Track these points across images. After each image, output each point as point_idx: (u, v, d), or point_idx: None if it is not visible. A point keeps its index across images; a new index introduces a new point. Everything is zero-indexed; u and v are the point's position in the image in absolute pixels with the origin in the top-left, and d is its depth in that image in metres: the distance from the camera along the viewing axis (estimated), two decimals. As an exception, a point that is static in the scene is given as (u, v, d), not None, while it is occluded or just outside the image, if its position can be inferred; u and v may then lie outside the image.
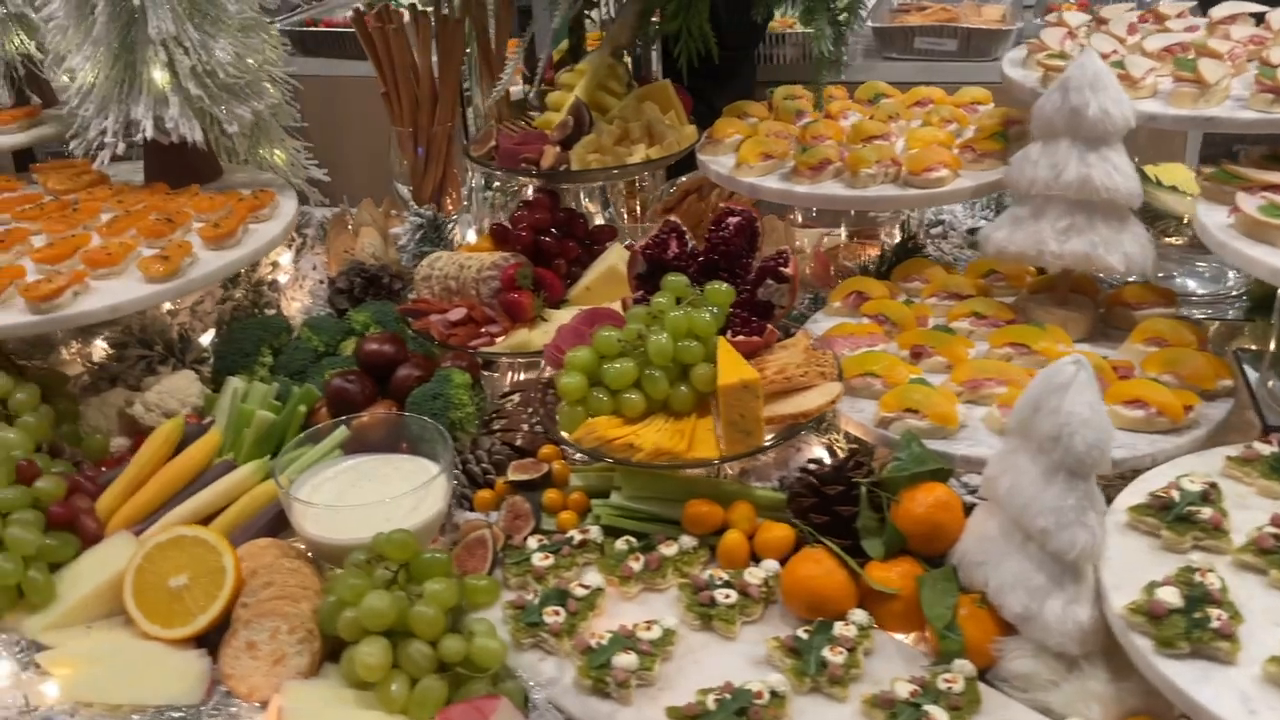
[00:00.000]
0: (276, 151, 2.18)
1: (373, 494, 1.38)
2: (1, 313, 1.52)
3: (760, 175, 1.81)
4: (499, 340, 1.69)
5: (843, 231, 2.13)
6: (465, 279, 1.77)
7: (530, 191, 2.34)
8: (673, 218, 1.61)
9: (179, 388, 1.65)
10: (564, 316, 1.73)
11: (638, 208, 2.33)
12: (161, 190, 1.92)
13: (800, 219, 2.16)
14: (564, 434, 1.42)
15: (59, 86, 2.18)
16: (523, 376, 1.77)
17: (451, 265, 1.78)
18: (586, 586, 1.28)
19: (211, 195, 1.86)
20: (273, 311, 1.92)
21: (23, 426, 1.48)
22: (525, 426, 1.56)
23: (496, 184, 2.31)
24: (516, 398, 1.62)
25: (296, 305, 1.97)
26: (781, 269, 1.52)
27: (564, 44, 2.21)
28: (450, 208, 2.21)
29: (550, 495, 1.43)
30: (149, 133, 1.83)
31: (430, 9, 2.03)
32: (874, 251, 2.09)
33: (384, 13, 2.07)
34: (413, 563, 1.24)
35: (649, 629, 1.21)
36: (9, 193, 1.93)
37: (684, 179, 2.24)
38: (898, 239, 2.09)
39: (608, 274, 1.77)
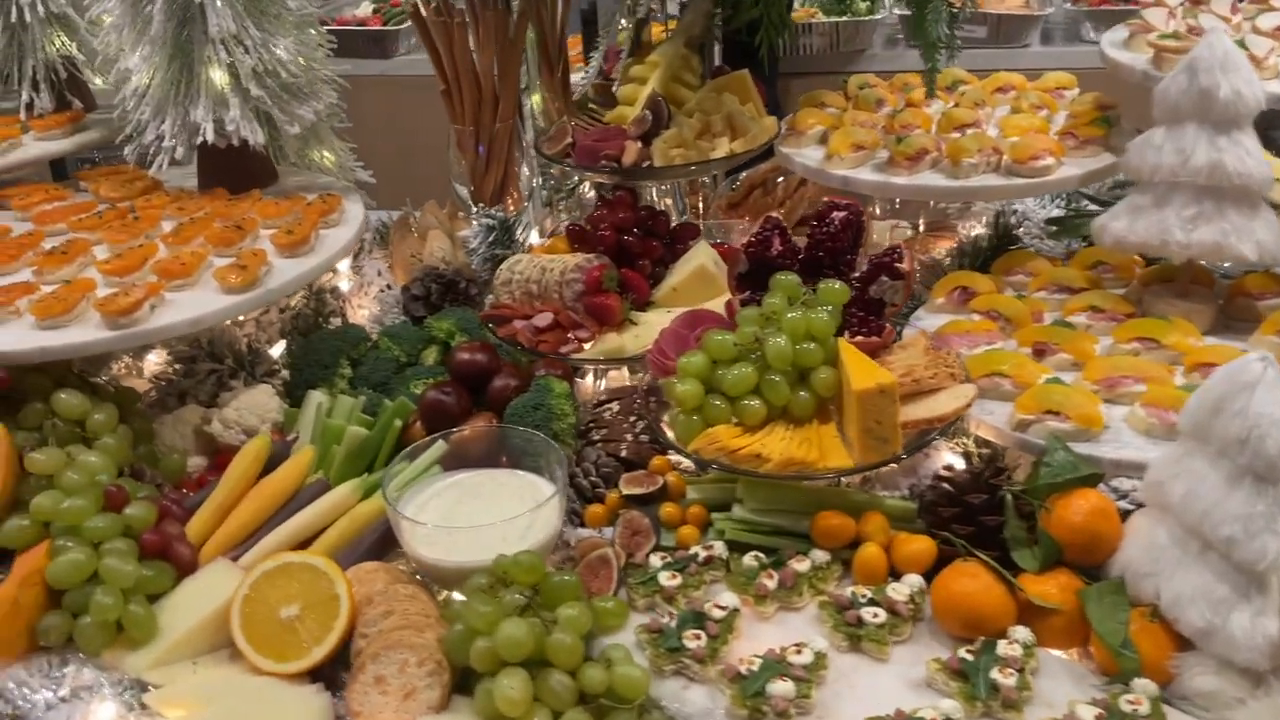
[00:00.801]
0: (326, 153, 2.11)
1: (480, 512, 1.31)
2: (76, 329, 1.44)
3: (852, 167, 1.73)
4: (588, 346, 1.62)
5: (920, 224, 2.06)
6: (548, 282, 1.69)
7: (588, 189, 2.28)
8: (774, 214, 1.54)
9: (258, 403, 1.58)
10: (654, 319, 1.66)
11: (699, 204, 2.25)
12: (222, 196, 1.84)
13: (878, 211, 2.09)
14: (679, 444, 1.35)
15: (102, 89, 2.11)
16: (603, 384, 1.69)
17: (533, 268, 1.71)
18: (723, 607, 1.20)
19: (276, 200, 1.78)
20: (338, 321, 1.84)
21: (103, 449, 1.40)
22: (629, 436, 1.48)
23: (553, 182, 2.24)
24: (615, 406, 1.54)
25: (364, 313, 1.89)
26: (897, 264, 1.45)
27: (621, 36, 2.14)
28: (511, 208, 2.13)
29: (668, 509, 1.35)
30: (209, 136, 1.75)
31: (492, 3, 1.95)
32: (947, 244, 2.02)
33: (444, 7, 1.99)
34: (542, 586, 1.17)
35: (799, 653, 1.13)
36: (58, 201, 1.85)
37: (745, 174, 2.17)
38: (974, 230, 2.02)
39: (697, 274, 1.69)
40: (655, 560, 1.29)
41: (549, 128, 1.92)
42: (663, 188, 2.03)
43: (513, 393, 1.48)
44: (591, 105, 2.10)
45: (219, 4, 1.69)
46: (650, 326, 1.63)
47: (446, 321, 1.64)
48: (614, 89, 2.04)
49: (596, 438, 1.50)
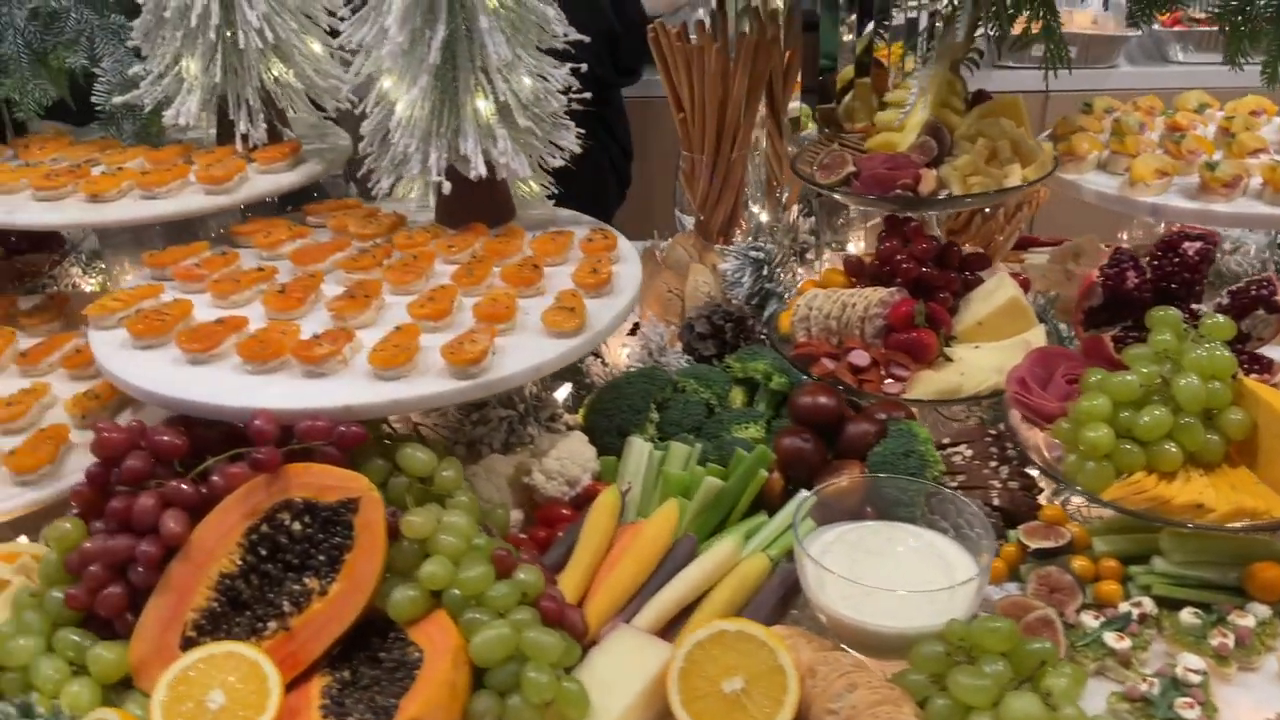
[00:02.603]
0: (531, 183, 2.02)
1: (879, 568, 1.23)
2: (422, 380, 1.34)
3: (1158, 194, 1.68)
4: (910, 385, 1.54)
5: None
6: (849, 318, 1.62)
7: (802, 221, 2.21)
8: (1083, 249, 1.47)
9: (576, 451, 1.48)
10: (969, 356, 1.59)
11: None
12: (481, 231, 1.74)
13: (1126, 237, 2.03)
14: (1089, 491, 1.27)
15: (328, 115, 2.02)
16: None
17: (832, 304, 1.63)
18: (1196, 670, 1.13)
19: (552, 236, 1.69)
20: (602, 362, 1.75)
21: (461, 508, 1.30)
22: (996, 483, 1.41)
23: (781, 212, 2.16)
24: (966, 449, 1.47)
25: (625, 351, 1.80)
26: (1274, 297, 1.39)
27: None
28: (739, 239, 2.05)
29: (1081, 563, 1.28)
30: (481, 169, 1.65)
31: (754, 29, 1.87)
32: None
33: (684, 33, 1.91)
34: (1012, 654, 1.09)
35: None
36: (300, 239, 1.74)
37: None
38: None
39: (1008, 307, 1.62)
40: (1088, 619, 1.22)
41: (820, 154, 1.84)
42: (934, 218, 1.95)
43: (872, 439, 1.40)
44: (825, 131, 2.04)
45: (495, 31, 1.60)
46: (971, 364, 1.56)
47: (760, 362, 1.56)
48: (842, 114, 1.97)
49: (953, 485, 1.42)
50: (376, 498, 1.21)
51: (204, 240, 1.73)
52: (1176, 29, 3.66)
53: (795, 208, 2.14)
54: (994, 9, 1.78)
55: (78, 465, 1.45)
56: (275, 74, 1.90)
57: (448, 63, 1.65)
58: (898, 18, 1.99)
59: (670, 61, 1.94)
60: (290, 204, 1.95)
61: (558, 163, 1.75)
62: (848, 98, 2.06)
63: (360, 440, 1.26)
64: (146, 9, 1.82)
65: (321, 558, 1.20)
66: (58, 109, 2.00)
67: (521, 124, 1.68)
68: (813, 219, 2.10)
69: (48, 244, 2.20)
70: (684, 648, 1.13)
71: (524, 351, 1.39)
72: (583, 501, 1.44)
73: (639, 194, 3.39)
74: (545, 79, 1.71)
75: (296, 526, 1.21)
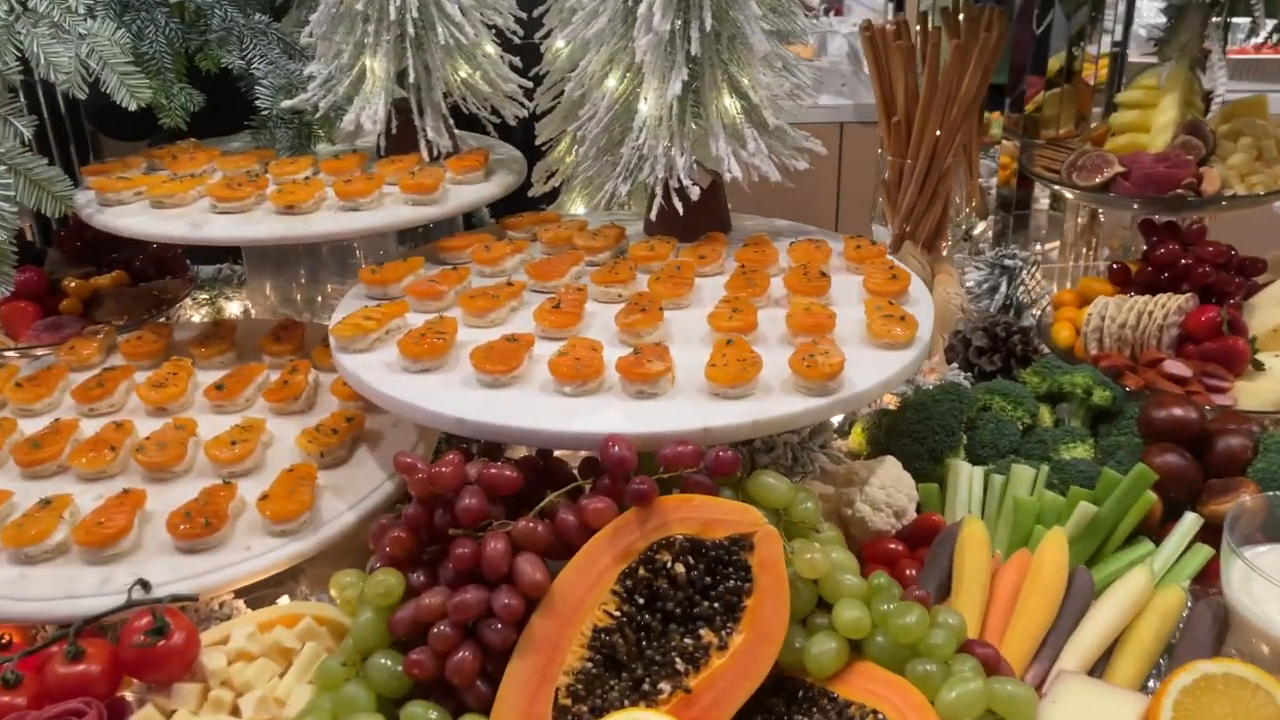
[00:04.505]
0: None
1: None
2: (766, 398, 1.17)
3: None
4: (1233, 395, 1.42)
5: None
6: (1147, 327, 1.49)
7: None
8: None
9: (896, 478, 1.32)
10: (1277, 364, 1.48)
11: (1095, 240, 2.09)
12: (720, 240, 1.58)
13: None
14: None
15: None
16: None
17: (1126, 313, 1.51)
18: None
19: (814, 242, 1.54)
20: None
21: (832, 542, 1.13)
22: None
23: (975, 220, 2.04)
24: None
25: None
26: None
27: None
28: (943, 252, 1.92)
29: None
30: (735, 171, 1.50)
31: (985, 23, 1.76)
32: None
33: (905, 29, 1.79)
34: None
35: None
36: (519, 254, 1.56)
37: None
38: None
39: (1309, 311, 1.52)
40: None
41: (1071, 156, 1.72)
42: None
43: (1249, 453, 1.27)
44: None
45: (755, 24, 1.46)
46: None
47: (1081, 376, 1.41)
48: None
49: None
50: (774, 532, 1.04)
51: (417, 256, 1.54)
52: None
53: (991, 217, 2.02)
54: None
55: (331, 510, 1.25)
56: (462, 75, 1.72)
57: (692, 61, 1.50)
58: (1107, 17, 1.89)
59: (883, 61, 1.81)
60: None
61: (802, 166, 1.60)
62: (1039, 98, 1.95)
63: (734, 467, 1.09)
64: (326, 1, 1.64)
65: (715, 605, 1.02)
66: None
67: (771, 123, 1.54)
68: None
69: (170, 268, 1.98)
70: (1168, 697, 0.98)
71: (870, 367, 1.23)
72: (914, 535, 1.28)
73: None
74: (791, 74, 1.57)
75: (680, 569, 1.03)
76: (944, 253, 1.90)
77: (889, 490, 1.30)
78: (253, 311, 1.97)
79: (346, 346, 1.30)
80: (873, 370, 1.22)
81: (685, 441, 1.08)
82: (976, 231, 1.91)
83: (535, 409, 1.15)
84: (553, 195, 1.90)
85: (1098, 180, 1.62)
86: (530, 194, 1.87)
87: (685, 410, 1.14)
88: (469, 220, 2.19)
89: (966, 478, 1.31)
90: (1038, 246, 2.04)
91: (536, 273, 1.47)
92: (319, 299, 1.98)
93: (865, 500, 1.29)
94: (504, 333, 1.32)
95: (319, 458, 1.33)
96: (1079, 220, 2.07)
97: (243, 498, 1.25)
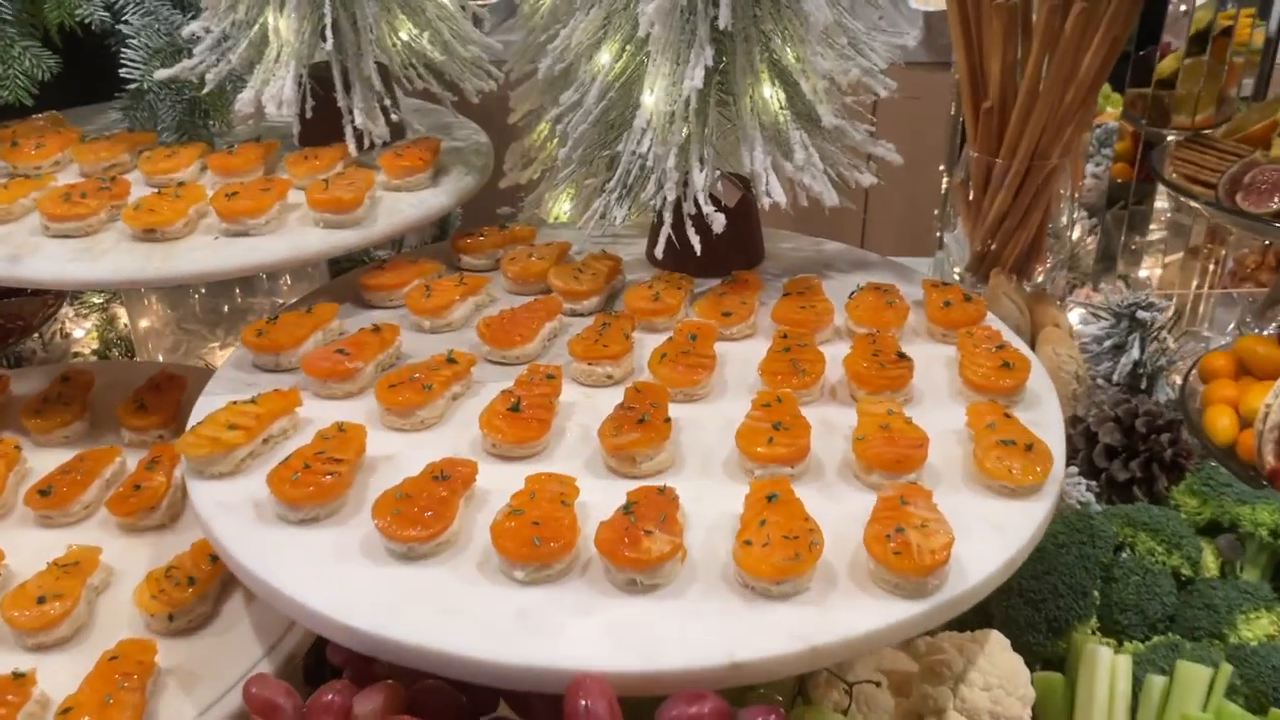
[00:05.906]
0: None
1: None
2: (841, 596, 0.75)
3: None
4: None
5: None
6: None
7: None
8: None
9: (1006, 672, 0.90)
10: None
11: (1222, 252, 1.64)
12: (755, 285, 1.15)
13: None
14: None
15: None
16: None
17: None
18: None
19: (877, 290, 1.10)
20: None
21: None
22: None
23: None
24: None
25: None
26: None
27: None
28: (1038, 278, 1.48)
29: None
30: (777, 193, 1.06)
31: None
32: None
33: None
34: None
35: None
36: (470, 295, 1.13)
37: None
38: None
39: None
40: None
41: (1235, 169, 1.27)
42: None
43: None
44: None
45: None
46: None
47: (1267, 511, 0.98)
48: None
49: None
50: None
51: (329, 303, 1.11)
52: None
53: (1079, 227, 1.58)
54: None
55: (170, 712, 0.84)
56: (404, 36, 1.27)
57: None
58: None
59: (972, 25, 1.34)
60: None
61: (868, 180, 1.15)
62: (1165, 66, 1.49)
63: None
64: (213, -62, 1.18)
65: None
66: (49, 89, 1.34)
67: (827, 123, 1.09)
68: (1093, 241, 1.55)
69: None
70: None
71: (967, 531, 0.80)
72: (1032, 761, 0.86)
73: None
74: (859, 54, 1.11)
75: None
76: (1039, 279, 1.46)
77: (996, 693, 0.88)
78: (148, 346, 1.53)
79: (201, 470, 0.87)
80: (989, 545, 0.79)
81: (700, 694, 0.66)
82: (1079, 243, 1.47)
83: (466, 614, 0.73)
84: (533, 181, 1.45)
85: (1275, 206, 1.17)
86: (502, 184, 1.42)
87: (701, 624, 0.72)
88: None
89: (1107, 672, 0.89)
90: (1145, 265, 1.59)
91: (493, 336, 1.04)
92: (226, 308, 1.55)
93: (963, 710, 0.88)
94: (438, 439, 0.90)
95: (166, 621, 0.91)
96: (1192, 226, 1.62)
97: (43, 697, 0.83)
